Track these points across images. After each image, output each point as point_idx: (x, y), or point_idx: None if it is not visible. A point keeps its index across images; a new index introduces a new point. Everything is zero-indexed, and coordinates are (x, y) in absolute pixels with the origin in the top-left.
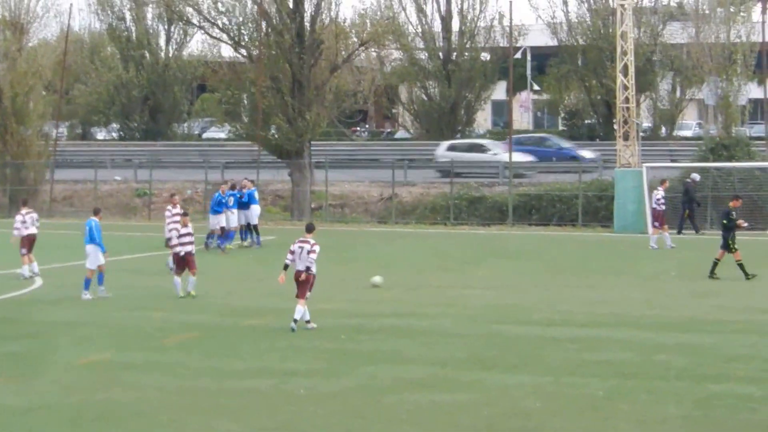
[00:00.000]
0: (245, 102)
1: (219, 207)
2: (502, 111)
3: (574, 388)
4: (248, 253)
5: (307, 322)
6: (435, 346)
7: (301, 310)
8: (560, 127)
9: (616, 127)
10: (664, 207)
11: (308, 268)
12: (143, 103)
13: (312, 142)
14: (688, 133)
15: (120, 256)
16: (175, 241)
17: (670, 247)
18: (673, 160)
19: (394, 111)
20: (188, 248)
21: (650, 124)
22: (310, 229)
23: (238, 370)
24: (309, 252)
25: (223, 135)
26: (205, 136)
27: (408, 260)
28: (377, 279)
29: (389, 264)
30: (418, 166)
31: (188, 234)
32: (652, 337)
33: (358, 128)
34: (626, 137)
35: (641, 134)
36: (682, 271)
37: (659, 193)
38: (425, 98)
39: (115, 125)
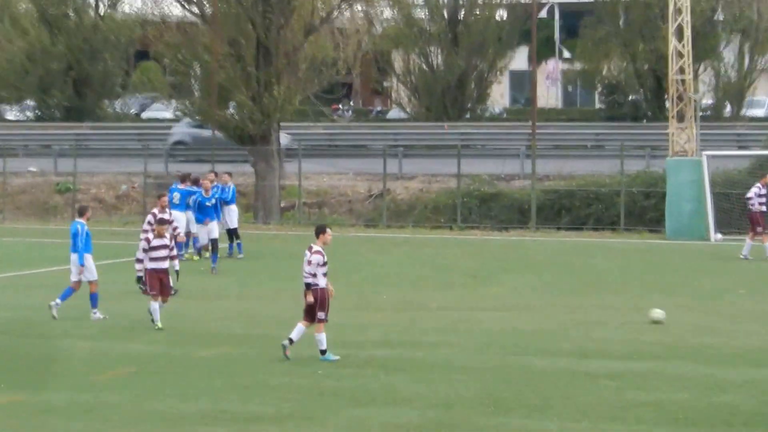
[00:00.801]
0: (197, 73)
1: (204, 213)
2: (523, 84)
3: None
4: (204, 265)
5: (323, 352)
6: (437, 382)
7: (319, 338)
8: (596, 105)
9: (668, 104)
10: (764, 208)
11: (308, 284)
12: (65, 74)
13: (282, 124)
14: (759, 113)
15: (35, 269)
16: (141, 255)
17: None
18: (740, 147)
19: (385, 84)
20: (163, 265)
21: (712, 101)
22: (316, 232)
23: (187, 415)
24: (307, 262)
25: (168, 115)
26: (145, 115)
27: (403, 274)
28: (658, 313)
29: (379, 279)
30: (417, 154)
31: (163, 246)
32: (714, 373)
33: (341, 106)
34: (681, 118)
35: (700, 114)
36: (754, 287)
37: (761, 190)
38: (426, 68)
39: (29, 102)
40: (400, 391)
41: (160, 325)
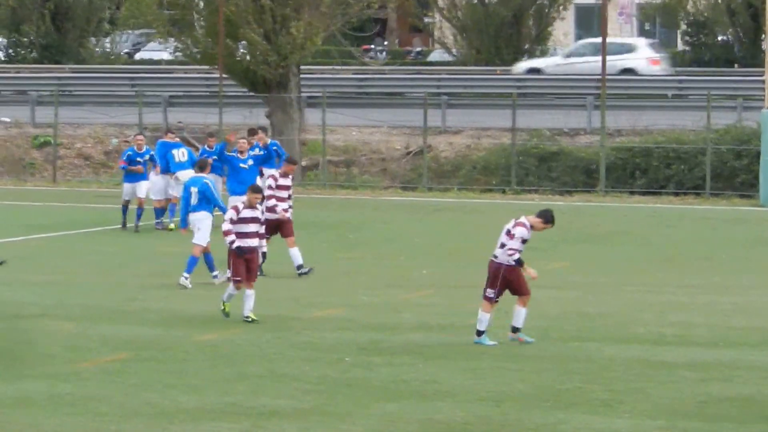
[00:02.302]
0: (200, 5)
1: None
2: (591, 21)
3: None
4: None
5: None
6: (485, 373)
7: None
8: (679, 46)
9: (764, 47)
10: None
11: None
12: (41, 5)
13: (302, 68)
14: None
15: (8, 237)
16: (227, 227)
17: None
18: None
19: (426, 21)
20: (252, 242)
21: None
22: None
23: (189, 408)
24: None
25: (166, 55)
26: (138, 56)
27: (446, 245)
28: None
29: (418, 251)
30: (464, 104)
31: (254, 220)
32: None
33: (373, 47)
34: None
35: None
36: None
37: None
38: (475, 1)
39: (0, 40)
40: (441, 383)
41: (253, 315)
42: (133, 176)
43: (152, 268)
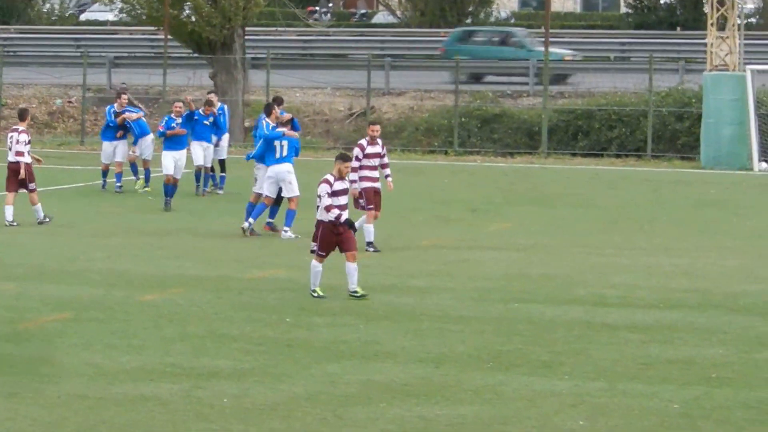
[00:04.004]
0: None
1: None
2: None
3: (636, 398)
4: (152, 195)
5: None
6: (426, 334)
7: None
8: (622, 9)
9: (706, 10)
10: None
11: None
12: None
13: (247, 29)
14: None
15: None
16: (328, 201)
17: None
18: None
19: None
20: (345, 215)
21: (758, 5)
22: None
23: (130, 369)
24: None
25: (111, 17)
26: (83, 17)
27: (388, 206)
28: None
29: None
30: (407, 65)
31: (344, 192)
32: (755, 325)
33: (317, 8)
34: (722, 26)
35: (745, 21)
36: None
37: None
38: None
39: None
40: (382, 344)
41: (360, 289)
42: (112, 136)
43: (96, 228)
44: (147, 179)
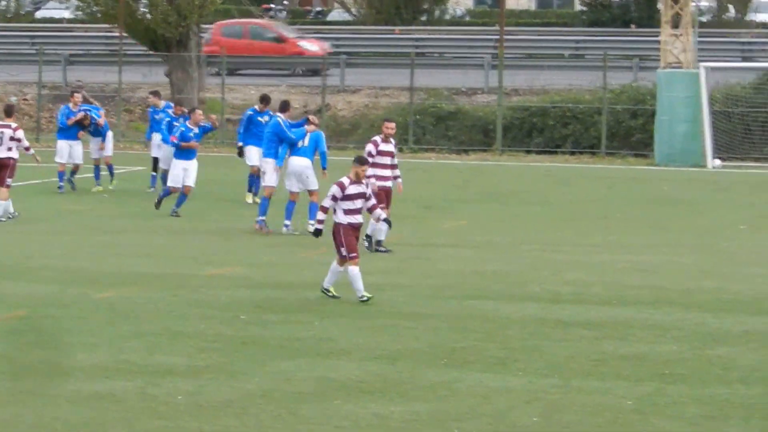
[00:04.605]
0: None
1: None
2: None
3: (590, 395)
4: (107, 195)
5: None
6: (381, 331)
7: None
8: (576, 7)
9: (660, 8)
10: None
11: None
12: None
13: (203, 27)
14: None
15: None
16: (328, 203)
17: None
18: (745, 58)
19: None
20: (359, 218)
21: (711, 3)
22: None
23: (84, 366)
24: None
25: (66, 14)
26: (39, 15)
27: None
28: None
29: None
30: (363, 63)
31: (360, 195)
32: (708, 322)
33: (273, 6)
34: (676, 23)
35: (699, 19)
36: (756, 222)
37: None
38: None
39: None
40: (337, 341)
41: (368, 294)
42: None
43: (53, 225)
44: (111, 176)
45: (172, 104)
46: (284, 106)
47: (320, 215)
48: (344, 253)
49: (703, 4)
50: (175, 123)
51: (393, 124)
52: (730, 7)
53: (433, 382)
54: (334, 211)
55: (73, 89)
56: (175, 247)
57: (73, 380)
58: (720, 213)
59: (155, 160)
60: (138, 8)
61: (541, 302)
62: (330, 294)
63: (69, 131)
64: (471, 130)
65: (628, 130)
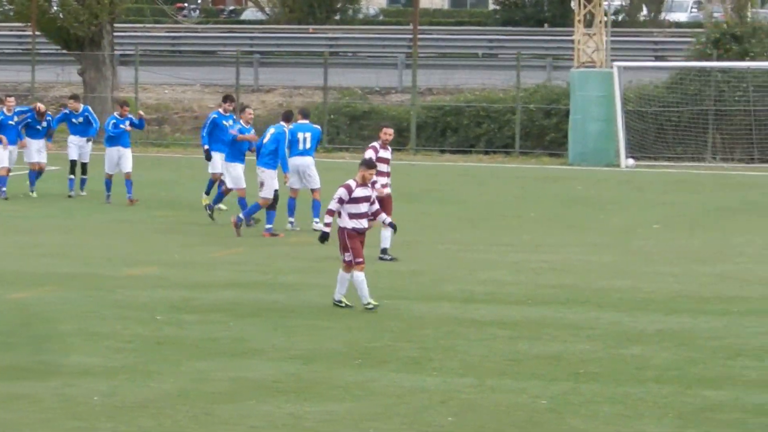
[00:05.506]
0: None
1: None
2: None
3: (505, 394)
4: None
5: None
6: (296, 331)
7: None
8: (490, 6)
9: (573, 7)
10: None
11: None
12: None
13: (115, 26)
14: (681, 18)
15: None
16: (334, 206)
17: None
18: (658, 58)
19: None
20: (365, 223)
21: (625, 2)
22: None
23: (1, 368)
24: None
25: None
26: None
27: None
28: None
29: (230, 208)
30: (276, 62)
31: (366, 199)
32: (622, 321)
33: (186, 5)
34: (589, 23)
35: (612, 18)
36: (670, 222)
37: None
38: None
39: None
40: (251, 341)
41: (374, 302)
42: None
43: None
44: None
45: (89, 107)
46: (288, 116)
47: (327, 218)
48: (349, 258)
49: (616, 3)
50: (122, 125)
51: (391, 131)
52: (644, 6)
53: (348, 381)
54: (339, 214)
55: (7, 94)
56: (91, 248)
57: None
58: (633, 212)
59: (73, 163)
60: (51, 7)
61: (456, 302)
62: (343, 305)
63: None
64: None
65: (542, 130)
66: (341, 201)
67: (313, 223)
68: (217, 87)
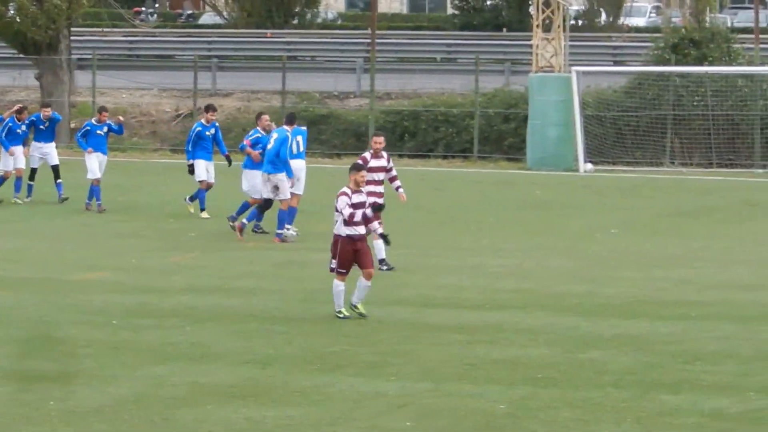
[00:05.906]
0: None
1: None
2: None
3: (463, 399)
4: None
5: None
6: (253, 335)
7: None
8: (449, 11)
9: (532, 11)
10: None
11: None
12: None
13: (73, 30)
14: (640, 22)
15: None
16: (349, 212)
17: None
18: (617, 62)
19: None
20: (361, 229)
21: (583, 7)
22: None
23: None
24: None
25: None
26: None
27: (214, 207)
28: None
29: (183, 213)
30: (234, 66)
31: (361, 204)
32: (580, 326)
33: (144, 9)
34: (547, 27)
35: (570, 23)
36: (628, 226)
37: None
38: None
39: None
40: (208, 346)
41: (346, 312)
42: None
43: None
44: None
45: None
46: (291, 119)
47: (352, 220)
48: (333, 265)
49: (574, 8)
50: (99, 131)
51: (381, 139)
52: (602, 10)
53: (305, 386)
54: (335, 221)
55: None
56: (45, 252)
57: None
58: (592, 217)
59: (33, 170)
60: (8, 11)
61: (414, 306)
62: (342, 316)
63: None
64: (343, 134)
65: (501, 135)
66: (349, 206)
67: (281, 233)
68: (175, 91)
